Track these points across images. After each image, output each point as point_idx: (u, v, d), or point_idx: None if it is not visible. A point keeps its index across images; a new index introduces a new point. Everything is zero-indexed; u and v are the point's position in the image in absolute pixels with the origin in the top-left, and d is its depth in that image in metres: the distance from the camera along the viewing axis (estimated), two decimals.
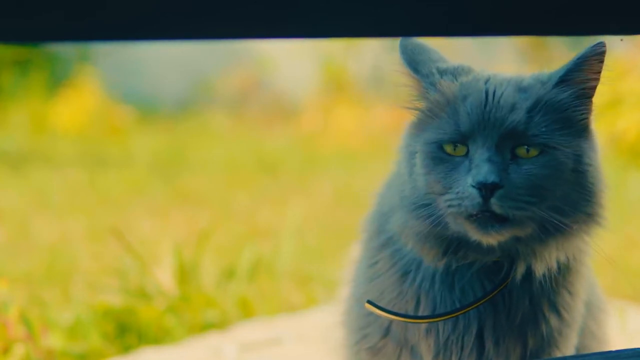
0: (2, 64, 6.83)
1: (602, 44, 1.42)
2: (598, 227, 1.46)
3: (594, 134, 1.47)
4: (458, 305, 1.48)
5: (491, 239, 1.41)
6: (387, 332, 1.55)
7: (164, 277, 2.76)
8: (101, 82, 6.77)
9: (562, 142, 1.42)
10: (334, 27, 1.19)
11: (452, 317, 1.49)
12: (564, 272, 1.51)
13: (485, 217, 1.39)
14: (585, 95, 1.44)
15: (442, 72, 1.48)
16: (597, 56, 1.42)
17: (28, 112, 6.57)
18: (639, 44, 5.06)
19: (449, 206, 1.40)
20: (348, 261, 1.67)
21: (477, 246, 1.44)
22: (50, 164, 5.34)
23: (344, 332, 1.63)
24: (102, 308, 2.61)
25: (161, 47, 7.07)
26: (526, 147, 1.41)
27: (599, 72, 1.43)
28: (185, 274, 2.79)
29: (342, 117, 6.62)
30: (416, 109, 1.48)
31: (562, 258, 1.47)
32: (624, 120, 4.83)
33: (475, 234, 1.41)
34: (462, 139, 1.42)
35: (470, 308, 1.48)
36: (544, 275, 1.47)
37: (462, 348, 1.50)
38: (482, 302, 1.48)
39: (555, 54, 6.62)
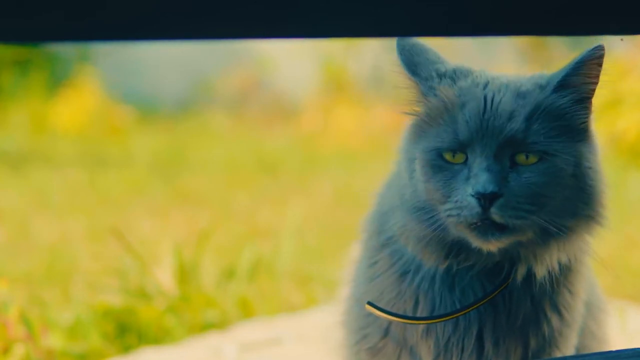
0: (2, 64, 6.83)
1: (600, 47, 1.41)
2: (599, 227, 1.46)
3: (594, 136, 1.46)
4: (458, 306, 1.48)
5: (491, 246, 1.41)
6: (386, 332, 1.55)
7: (164, 277, 2.76)
8: (101, 82, 6.77)
9: (561, 148, 1.41)
10: (334, 27, 1.19)
11: (452, 318, 1.49)
12: (564, 272, 1.50)
13: (485, 226, 1.39)
14: (585, 99, 1.44)
15: (441, 76, 1.47)
16: (596, 59, 1.41)
17: (28, 112, 6.57)
18: (639, 44, 5.06)
19: (448, 216, 1.40)
20: (348, 261, 1.67)
21: (479, 250, 1.44)
22: (50, 164, 5.34)
23: (344, 332, 1.63)
24: (102, 308, 2.61)
25: (161, 47, 7.07)
26: (525, 154, 1.40)
27: (598, 76, 1.42)
28: (185, 274, 2.79)
29: (342, 117, 6.62)
30: (414, 113, 1.47)
31: (564, 259, 1.47)
32: (624, 120, 4.83)
33: (475, 242, 1.41)
34: (461, 147, 1.41)
35: (470, 309, 1.48)
36: (545, 276, 1.47)
37: (462, 349, 1.50)
38: (482, 303, 1.47)
39: (555, 54, 6.62)
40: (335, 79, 7.10)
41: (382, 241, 1.55)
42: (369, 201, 1.61)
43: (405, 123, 1.51)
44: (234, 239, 3.58)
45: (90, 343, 2.52)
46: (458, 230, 1.42)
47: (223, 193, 4.68)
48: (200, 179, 5.00)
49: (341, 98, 6.86)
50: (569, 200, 1.42)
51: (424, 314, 1.50)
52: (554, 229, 1.40)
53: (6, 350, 2.33)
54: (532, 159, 1.40)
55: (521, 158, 1.41)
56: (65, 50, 7.19)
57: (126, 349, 2.53)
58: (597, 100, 1.45)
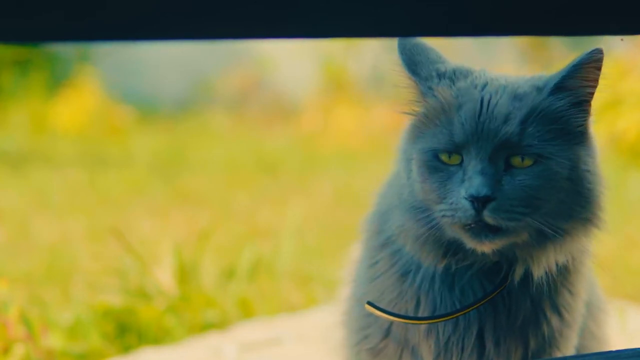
0: (2, 64, 6.83)
1: (598, 51, 1.41)
2: (597, 229, 1.46)
3: (592, 138, 1.46)
4: (458, 306, 1.48)
5: (485, 247, 1.42)
6: (387, 332, 1.55)
7: (164, 277, 2.76)
8: (101, 82, 6.77)
9: (556, 152, 1.41)
10: (334, 27, 1.19)
11: (452, 318, 1.49)
12: (564, 273, 1.50)
13: (479, 227, 1.39)
14: (582, 102, 1.43)
15: (441, 76, 1.47)
16: (594, 63, 1.41)
17: (28, 112, 6.57)
18: (639, 44, 5.06)
19: (443, 216, 1.41)
20: (348, 261, 1.67)
21: (475, 250, 1.44)
22: (50, 164, 5.34)
23: (345, 332, 1.63)
24: (102, 308, 2.61)
25: (161, 47, 7.07)
26: (520, 156, 1.40)
27: (597, 79, 1.42)
28: (185, 274, 2.79)
29: (342, 117, 6.62)
30: (413, 113, 1.48)
31: (561, 260, 1.47)
32: (624, 120, 4.83)
33: (469, 243, 1.42)
34: (456, 148, 1.42)
35: (469, 309, 1.48)
36: (544, 276, 1.47)
37: (462, 349, 1.50)
38: (481, 303, 1.48)
39: (555, 54, 6.62)
40: (335, 79, 7.10)
41: (382, 241, 1.55)
42: (369, 201, 1.61)
43: (404, 123, 1.51)
44: (234, 239, 3.58)
45: (90, 343, 2.52)
46: (453, 231, 1.42)
47: (223, 193, 4.68)
48: (200, 179, 5.00)
49: (341, 98, 6.86)
50: (564, 203, 1.42)
51: (426, 314, 1.50)
52: (549, 231, 1.40)
53: (6, 350, 2.33)
54: (527, 161, 1.40)
55: (516, 160, 1.41)
56: (65, 50, 7.19)
57: (126, 349, 2.53)
58: (596, 102, 1.45)
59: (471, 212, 1.38)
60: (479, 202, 1.37)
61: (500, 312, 1.49)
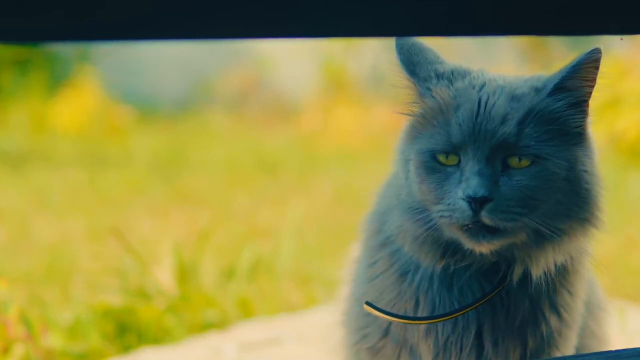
0: (2, 64, 6.83)
1: (597, 51, 1.41)
2: (595, 229, 1.46)
3: (591, 139, 1.46)
4: (457, 306, 1.48)
5: (483, 248, 1.42)
6: (386, 332, 1.55)
7: (164, 277, 2.76)
8: (101, 82, 6.77)
9: (553, 152, 1.41)
10: (334, 27, 1.19)
11: (451, 318, 1.49)
12: (563, 273, 1.51)
13: (477, 228, 1.39)
14: (581, 102, 1.43)
15: (439, 77, 1.47)
16: (593, 63, 1.41)
17: (28, 112, 6.57)
18: (639, 44, 5.06)
19: (441, 217, 1.41)
20: (348, 261, 1.67)
21: (474, 251, 1.44)
22: (50, 164, 5.34)
23: (344, 332, 1.63)
24: (102, 308, 2.61)
25: (161, 47, 7.07)
26: (518, 157, 1.40)
27: (595, 79, 1.42)
28: (185, 274, 2.79)
29: (342, 117, 6.62)
30: (411, 114, 1.48)
31: (560, 261, 1.47)
32: (624, 120, 4.83)
33: (467, 243, 1.42)
34: (454, 149, 1.42)
35: (468, 309, 1.48)
36: (543, 277, 1.47)
37: (461, 349, 1.50)
38: (480, 303, 1.48)
39: (555, 54, 6.62)
40: (335, 79, 7.10)
41: (381, 241, 1.55)
42: (368, 201, 1.61)
43: (403, 123, 1.51)
44: (234, 239, 3.58)
45: (90, 343, 2.52)
46: (451, 232, 1.42)
47: (223, 193, 4.68)
48: (200, 179, 5.00)
49: (341, 98, 6.86)
50: (562, 203, 1.42)
51: (425, 314, 1.50)
52: (547, 232, 1.40)
53: (6, 350, 2.33)
54: (525, 162, 1.40)
55: (514, 161, 1.41)
56: (65, 50, 7.19)
57: (126, 349, 2.53)
58: (595, 102, 1.45)
59: (469, 213, 1.38)
60: (476, 203, 1.37)
61: (499, 312, 1.49)
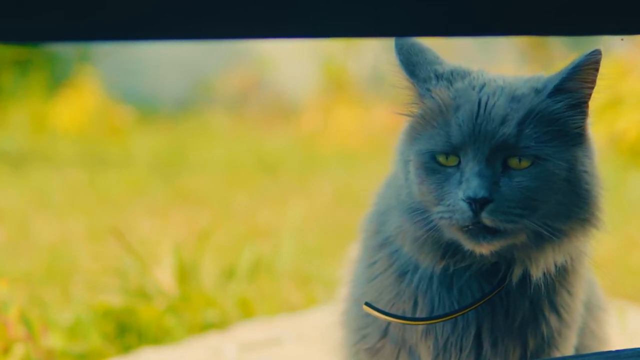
0: (2, 64, 6.83)
1: (597, 52, 1.41)
2: (595, 230, 1.46)
3: (590, 139, 1.46)
4: (456, 307, 1.48)
5: (483, 249, 1.42)
6: (385, 332, 1.55)
7: (164, 277, 2.76)
8: (101, 82, 6.77)
9: (553, 153, 1.41)
10: (334, 27, 1.19)
11: (450, 319, 1.49)
12: (563, 273, 1.51)
13: (477, 229, 1.39)
14: (581, 103, 1.43)
15: (439, 77, 1.47)
16: (592, 64, 1.41)
17: (28, 112, 6.57)
18: (639, 44, 5.06)
19: (441, 218, 1.41)
20: (347, 261, 1.67)
21: (473, 252, 1.44)
22: (50, 164, 5.34)
23: (343, 332, 1.63)
24: (102, 308, 2.61)
25: (161, 47, 7.07)
26: (518, 157, 1.40)
27: (595, 80, 1.42)
28: (185, 274, 2.79)
29: (342, 117, 6.62)
30: (411, 114, 1.48)
31: (559, 261, 1.47)
32: (624, 120, 4.83)
33: (467, 244, 1.42)
34: (454, 150, 1.41)
35: (468, 310, 1.48)
36: (542, 277, 1.47)
37: (460, 349, 1.50)
38: (479, 303, 1.48)
39: (555, 54, 6.62)
40: (335, 79, 7.10)
41: (380, 241, 1.55)
42: (368, 201, 1.61)
43: (403, 124, 1.51)
44: (234, 239, 3.58)
45: (90, 343, 2.52)
46: (451, 233, 1.42)
47: (223, 193, 4.68)
48: (200, 179, 5.00)
49: (341, 98, 6.86)
50: (562, 204, 1.42)
51: (423, 315, 1.50)
52: (547, 233, 1.40)
53: (6, 350, 2.33)
54: (525, 163, 1.40)
55: (513, 162, 1.41)
56: (65, 50, 7.19)
57: (126, 349, 2.53)
58: (595, 102, 1.45)
59: (469, 213, 1.38)
60: (476, 203, 1.37)
61: (499, 312, 1.49)
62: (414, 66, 1.47)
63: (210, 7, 1.12)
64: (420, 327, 1.51)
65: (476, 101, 1.43)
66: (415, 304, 1.51)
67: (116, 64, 7.23)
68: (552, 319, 1.51)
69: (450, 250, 1.45)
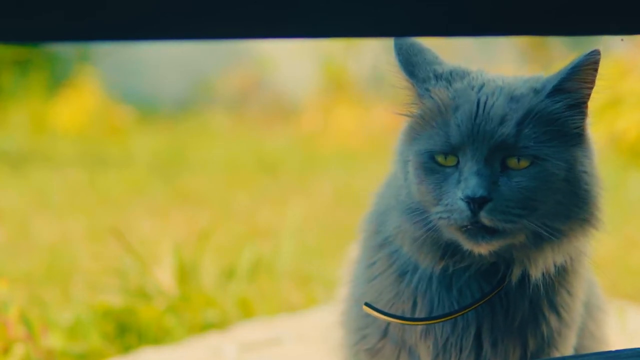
0: (2, 64, 6.83)
1: (596, 52, 1.41)
2: (594, 230, 1.46)
3: (589, 139, 1.46)
4: (456, 307, 1.48)
5: (482, 249, 1.42)
6: (385, 333, 1.55)
7: (164, 277, 2.76)
8: (101, 82, 6.77)
9: (552, 153, 1.41)
10: (334, 27, 1.19)
11: (448, 319, 1.49)
12: (562, 273, 1.51)
13: (476, 229, 1.39)
14: (580, 103, 1.43)
15: (438, 77, 1.47)
16: (591, 64, 1.41)
17: (28, 112, 6.57)
18: (639, 44, 5.06)
19: (440, 218, 1.41)
20: (347, 261, 1.67)
21: (472, 252, 1.44)
22: (50, 164, 5.34)
23: (343, 332, 1.63)
24: (102, 308, 2.61)
25: (161, 47, 7.07)
26: (517, 157, 1.40)
27: (594, 80, 1.42)
28: (185, 274, 2.79)
29: (342, 117, 6.62)
30: (410, 114, 1.48)
31: (559, 261, 1.47)
32: (624, 120, 4.83)
33: (466, 244, 1.42)
34: (453, 150, 1.41)
35: (467, 310, 1.48)
36: (542, 277, 1.47)
37: (460, 349, 1.50)
38: (479, 304, 1.48)
39: (555, 54, 6.62)
40: (335, 79, 7.10)
41: (380, 241, 1.55)
42: (368, 201, 1.61)
43: (402, 124, 1.51)
44: (234, 239, 3.58)
45: (90, 343, 2.52)
46: (450, 233, 1.42)
47: (223, 193, 4.68)
48: (200, 179, 5.00)
49: (341, 98, 6.86)
50: (561, 204, 1.42)
51: (423, 315, 1.50)
52: (546, 233, 1.40)
53: (6, 350, 2.33)
54: (524, 163, 1.40)
55: (512, 162, 1.41)
56: (65, 50, 7.19)
57: (126, 349, 2.53)
58: (595, 102, 1.45)
59: (467, 213, 1.38)
60: (475, 203, 1.37)
61: (498, 312, 1.49)
62: (413, 66, 1.47)
63: (210, 7, 1.13)
64: (420, 327, 1.51)
65: (475, 101, 1.43)
66: (415, 304, 1.51)
67: (116, 64, 7.23)
68: (552, 319, 1.51)
69: (449, 250, 1.45)
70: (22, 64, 6.89)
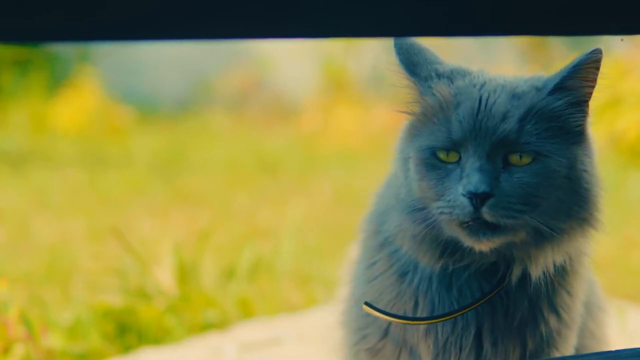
0: (2, 64, 6.83)
1: (598, 51, 1.41)
2: (594, 230, 1.46)
3: (590, 138, 1.46)
4: (456, 306, 1.48)
5: (483, 246, 1.41)
6: (386, 333, 1.55)
7: (164, 277, 2.76)
8: (101, 82, 6.77)
9: (554, 150, 1.41)
10: (334, 27, 1.19)
11: (450, 318, 1.49)
12: (562, 273, 1.51)
13: (477, 225, 1.39)
14: (581, 102, 1.44)
15: (440, 76, 1.47)
16: (593, 63, 1.42)
17: (28, 112, 6.57)
18: (639, 44, 5.06)
19: (441, 213, 1.41)
20: (347, 261, 1.67)
21: (472, 249, 1.44)
22: (50, 164, 5.34)
23: (343, 332, 1.63)
24: (102, 308, 2.61)
25: (161, 47, 7.07)
26: (519, 154, 1.41)
27: (595, 79, 1.43)
28: (185, 274, 2.79)
29: (342, 117, 6.62)
30: (411, 112, 1.48)
31: (559, 260, 1.47)
32: (624, 120, 4.83)
33: (467, 241, 1.42)
34: (454, 146, 1.42)
35: (468, 309, 1.48)
36: (541, 277, 1.47)
37: (460, 349, 1.50)
38: (479, 303, 1.48)
39: (555, 54, 6.62)
40: (335, 79, 7.10)
41: (380, 241, 1.55)
42: (368, 201, 1.61)
43: (402, 123, 1.51)
44: (234, 239, 3.58)
45: (90, 343, 2.52)
46: (450, 229, 1.42)
47: (223, 193, 4.68)
48: (200, 179, 5.00)
49: (341, 98, 6.86)
50: (562, 201, 1.42)
51: (424, 315, 1.50)
52: (547, 230, 1.40)
53: (6, 350, 2.33)
54: (525, 159, 1.41)
55: (514, 158, 1.41)
56: (65, 50, 7.19)
57: (126, 349, 2.53)
58: (595, 102, 1.45)
59: (469, 208, 1.38)
60: (477, 198, 1.37)
61: (498, 312, 1.49)
62: (415, 65, 1.47)
63: (210, 7, 1.13)
64: (421, 327, 1.51)
65: (477, 98, 1.43)
66: (416, 304, 1.51)
67: (116, 64, 7.23)
68: (552, 319, 1.51)
69: (449, 248, 1.45)
70: (22, 64, 6.89)
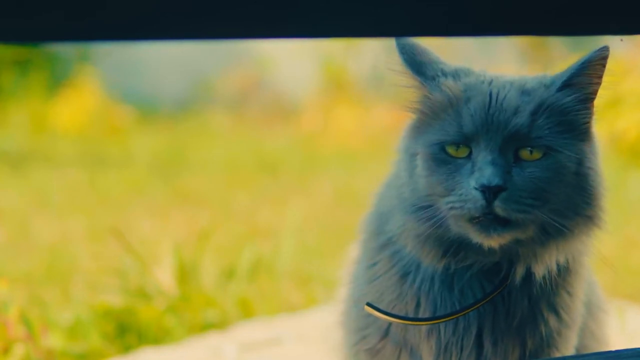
0: (2, 64, 6.83)
1: (606, 48, 1.42)
2: (597, 229, 1.46)
3: (595, 137, 1.47)
4: (458, 307, 1.48)
5: (493, 241, 1.41)
6: (386, 333, 1.55)
7: (164, 277, 2.76)
8: (101, 82, 6.77)
9: (564, 145, 1.42)
10: (334, 27, 1.19)
11: (451, 319, 1.49)
12: (563, 273, 1.51)
13: (488, 220, 1.39)
14: (588, 99, 1.44)
15: (446, 75, 1.47)
16: (601, 60, 1.42)
17: (28, 112, 6.57)
18: (639, 44, 5.06)
19: (451, 208, 1.40)
20: (347, 261, 1.67)
21: (478, 248, 1.43)
22: (50, 164, 5.34)
23: (343, 332, 1.63)
24: (102, 308, 2.61)
25: (161, 47, 7.07)
26: (529, 149, 1.41)
27: (602, 77, 1.43)
28: (185, 274, 2.79)
29: (342, 117, 6.62)
30: (416, 110, 1.48)
31: (562, 260, 1.47)
32: (624, 120, 4.83)
33: (477, 237, 1.41)
34: (465, 140, 1.42)
35: (469, 310, 1.48)
36: (543, 277, 1.47)
37: (461, 349, 1.50)
38: (481, 303, 1.48)
39: (555, 54, 6.62)
40: (335, 79, 7.10)
41: (381, 242, 1.55)
42: (368, 201, 1.61)
43: (404, 122, 1.51)
44: (234, 239, 3.58)
45: (90, 343, 2.52)
46: (459, 226, 1.41)
47: (223, 193, 4.68)
48: (200, 179, 5.00)
49: (341, 98, 6.86)
50: (569, 199, 1.42)
51: (426, 315, 1.50)
52: (556, 226, 1.41)
53: (6, 350, 2.33)
54: (536, 154, 1.41)
55: (525, 153, 1.41)
56: (65, 50, 7.19)
57: (126, 349, 2.53)
58: (598, 101, 1.45)
59: (482, 202, 1.37)
60: (490, 191, 1.37)
61: (499, 312, 1.49)
62: (420, 65, 1.47)
63: (210, 7, 1.12)
64: (423, 327, 1.50)
65: (487, 93, 1.44)
66: (418, 304, 1.50)
67: (116, 64, 7.23)
68: (551, 320, 1.51)
69: (452, 248, 1.45)
70: (22, 64, 6.89)
